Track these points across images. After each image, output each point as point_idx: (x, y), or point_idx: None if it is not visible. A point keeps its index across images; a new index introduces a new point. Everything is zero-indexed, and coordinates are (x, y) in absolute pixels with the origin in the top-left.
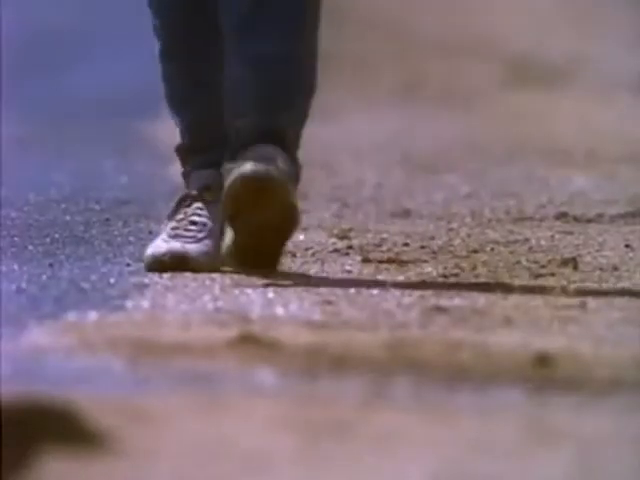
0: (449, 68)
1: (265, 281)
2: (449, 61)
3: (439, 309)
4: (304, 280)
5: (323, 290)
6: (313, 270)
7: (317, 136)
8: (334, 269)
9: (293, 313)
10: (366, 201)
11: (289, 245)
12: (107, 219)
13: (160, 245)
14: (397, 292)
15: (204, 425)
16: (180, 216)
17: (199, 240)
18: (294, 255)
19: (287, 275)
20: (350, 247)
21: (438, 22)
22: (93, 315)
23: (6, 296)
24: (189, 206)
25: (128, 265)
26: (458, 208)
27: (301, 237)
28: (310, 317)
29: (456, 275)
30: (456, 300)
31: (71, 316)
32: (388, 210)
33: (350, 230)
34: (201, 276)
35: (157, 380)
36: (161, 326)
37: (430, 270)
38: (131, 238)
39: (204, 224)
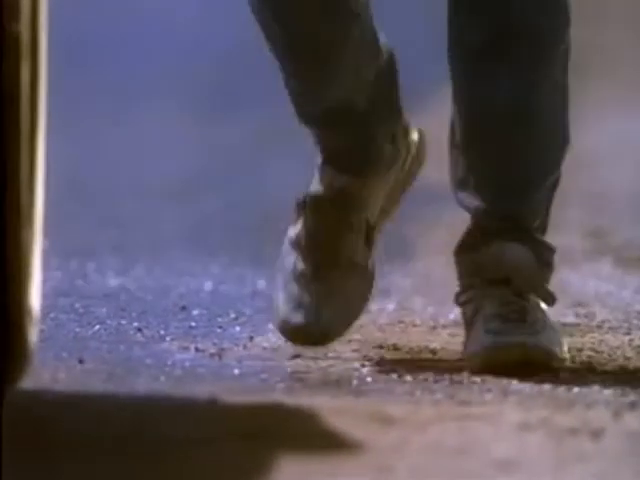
0: None
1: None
2: None
3: None
4: (556, 281)
5: (575, 291)
6: (564, 271)
7: (574, 134)
8: (586, 270)
9: None
10: (620, 201)
11: None
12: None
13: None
14: None
15: (451, 428)
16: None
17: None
18: None
19: None
20: (602, 247)
21: None
22: None
23: (240, 299)
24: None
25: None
26: None
27: (549, 238)
28: (562, 319)
29: None
30: None
31: None
32: None
33: (603, 230)
34: (449, 280)
35: (404, 385)
36: (407, 330)
37: None
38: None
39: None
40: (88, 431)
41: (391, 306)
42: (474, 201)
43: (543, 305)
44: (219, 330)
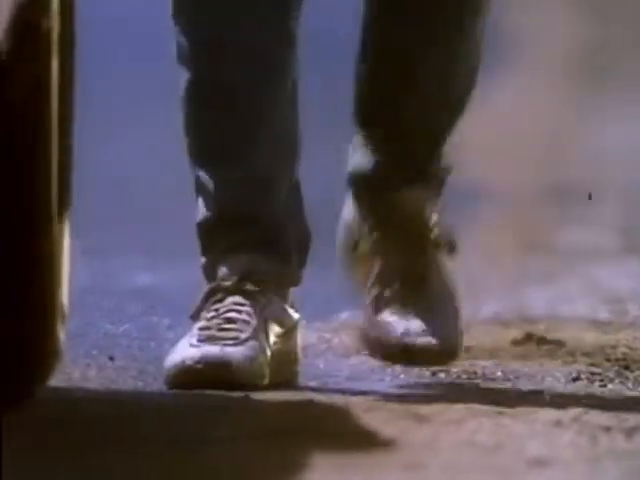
0: None
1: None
2: None
3: None
4: (586, 278)
5: (607, 288)
6: (596, 267)
7: (604, 130)
8: (617, 266)
9: (578, 312)
10: None
11: (567, 242)
12: None
13: (188, 350)
14: None
15: (484, 425)
16: (211, 314)
17: (242, 342)
18: (567, 253)
19: (569, 273)
20: (633, 245)
21: None
22: None
23: None
24: (222, 300)
25: None
26: None
27: (583, 235)
28: (596, 316)
29: None
30: None
31: (344, 316)
32: None
33: (633, 228)
34: (484, 278)
35: (437, 382)
36: None
37: None
38: None
39: (246, 322)
40: (119, 429)
41: None
42: (372, 154)
43: (442, 259)
44: None
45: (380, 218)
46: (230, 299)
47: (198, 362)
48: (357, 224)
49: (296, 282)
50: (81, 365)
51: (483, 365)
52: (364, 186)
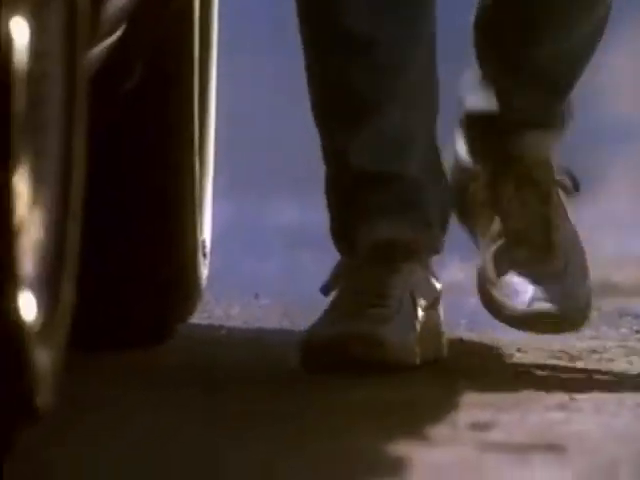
0: None
1: None
2: None
3: None
4: None
5: None
6: None
7: None
8: None
9: None
10: None
11: None
12: None
13: (332, 327)
14: None
15: (636, 362)
16: (351, 288)
17: (391, 319)
18: None
19: None
20: None
21: None
22: None
23: None
24: (361, 272)
25: None
26: None
27: None
28: None
29: None
30: None
31: None
32: None
33: None
34: (632, 215)
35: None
36: (589, 263)
37: None
38: None
39: (392, 297)
40: (262, 368)
41: None
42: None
43: (563, 198)
44: None
45: (499, 165)
46: (371, 271)
47: (346, 339)
48: (469, 166)
49: (438, 249)
50: (223, 303)
51: (634, 304)
52: (482, 128)
